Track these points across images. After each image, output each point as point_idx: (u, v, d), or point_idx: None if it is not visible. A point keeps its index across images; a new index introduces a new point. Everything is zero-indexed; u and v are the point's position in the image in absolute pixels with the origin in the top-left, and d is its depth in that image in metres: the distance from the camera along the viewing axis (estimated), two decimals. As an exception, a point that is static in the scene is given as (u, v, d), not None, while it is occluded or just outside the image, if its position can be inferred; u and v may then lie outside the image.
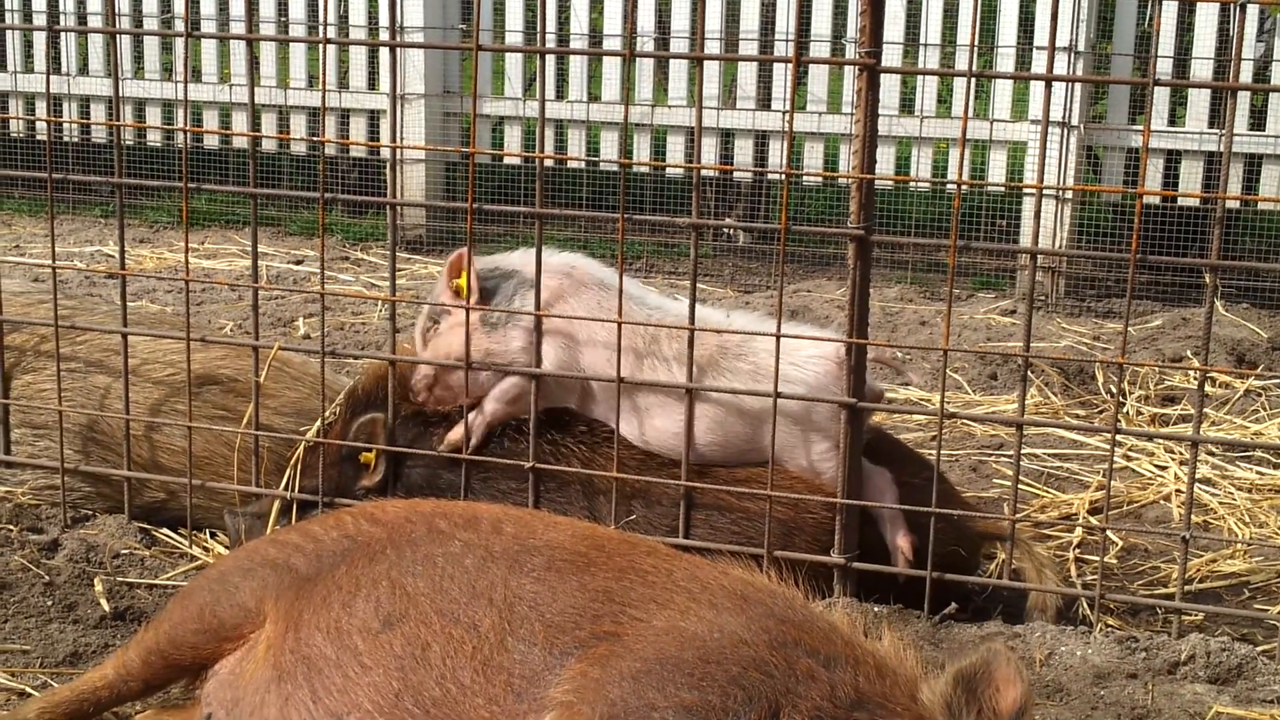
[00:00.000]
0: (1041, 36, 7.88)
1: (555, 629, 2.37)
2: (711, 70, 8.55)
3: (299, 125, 9.25)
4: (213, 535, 3.99)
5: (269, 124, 9.25)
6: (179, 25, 9.47)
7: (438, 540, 2.63)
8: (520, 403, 3.64)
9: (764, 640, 2.21)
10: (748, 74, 8.52)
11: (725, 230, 8.86)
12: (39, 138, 9.75)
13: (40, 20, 9.60)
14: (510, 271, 3.67)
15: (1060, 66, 7.39)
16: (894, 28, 8.02)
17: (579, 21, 8.75)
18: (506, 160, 9.63)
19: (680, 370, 3.53)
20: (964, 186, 3.42)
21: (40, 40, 9.68)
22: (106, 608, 3.45)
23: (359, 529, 2.75)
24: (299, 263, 8.18)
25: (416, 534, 2.67)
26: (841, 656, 2.21)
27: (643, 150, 8.65)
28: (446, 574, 2.53)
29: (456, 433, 3.65)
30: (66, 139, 9.66)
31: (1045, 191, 6.83)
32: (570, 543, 2.57)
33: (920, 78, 8.41)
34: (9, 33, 9.74)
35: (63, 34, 9.61)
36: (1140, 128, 7.89)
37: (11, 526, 3.82)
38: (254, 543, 2.95)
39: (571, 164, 8.96)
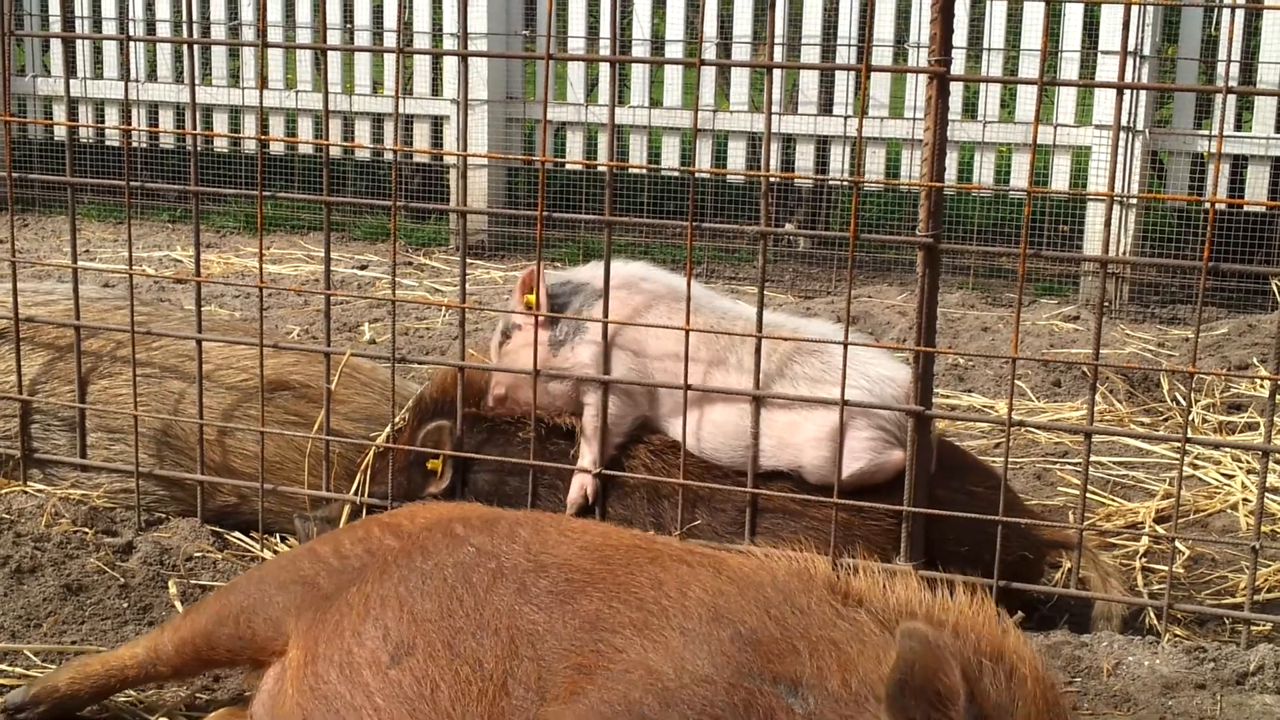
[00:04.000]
0: (1105, 41, 7.83)
1: (545, 668, 2.35)
2: (774, 75, 8.55)
3: (363, 131, 9.34)
4: (283, 539, 4.05)
5: (334, 130, 9.33)
6: (246, 32, 9.58)
7: (450, 547, 2.62)
8: (623, 424, 3.67)
9: (725, 676, 2.18)
10: (809, 79, 8.52)
11: (786, 235, 8.86)
12: (108, 143, 9.88)
13: (110, 28, 9.73)
14: (580, 285, 3.70)
15: (1126, 71, 7.34)
16: (958, 32, 7.99)
17: (640, 27, 8.78)
18: (567, 165, 9.68)
19: (746, 379, 3.55)
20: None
21: (109, 48, 9.81)
22: (180, 610, 3.50)
23: (380, 543, 2.75)
24: (363, 268, 8.25)
25: (431, 541, 2.66)
26: (806, 676, 2.15)
27: (704, 155, 8.66)
28: (454, 594, 2.52)
29: (575, 493, 3.68)
30: (135, 145, 9.79)
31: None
32: (577, 557, 2.54)
33: (983, 83, 8.39)
34: (79, 40, 9.88)
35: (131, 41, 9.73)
36: (1206, 132, 7.83)
37: (87, 529, 3.89)
38: (296, 550, 2.98)
39: (633, 169, 8.99)
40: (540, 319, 3.67)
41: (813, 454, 3.51)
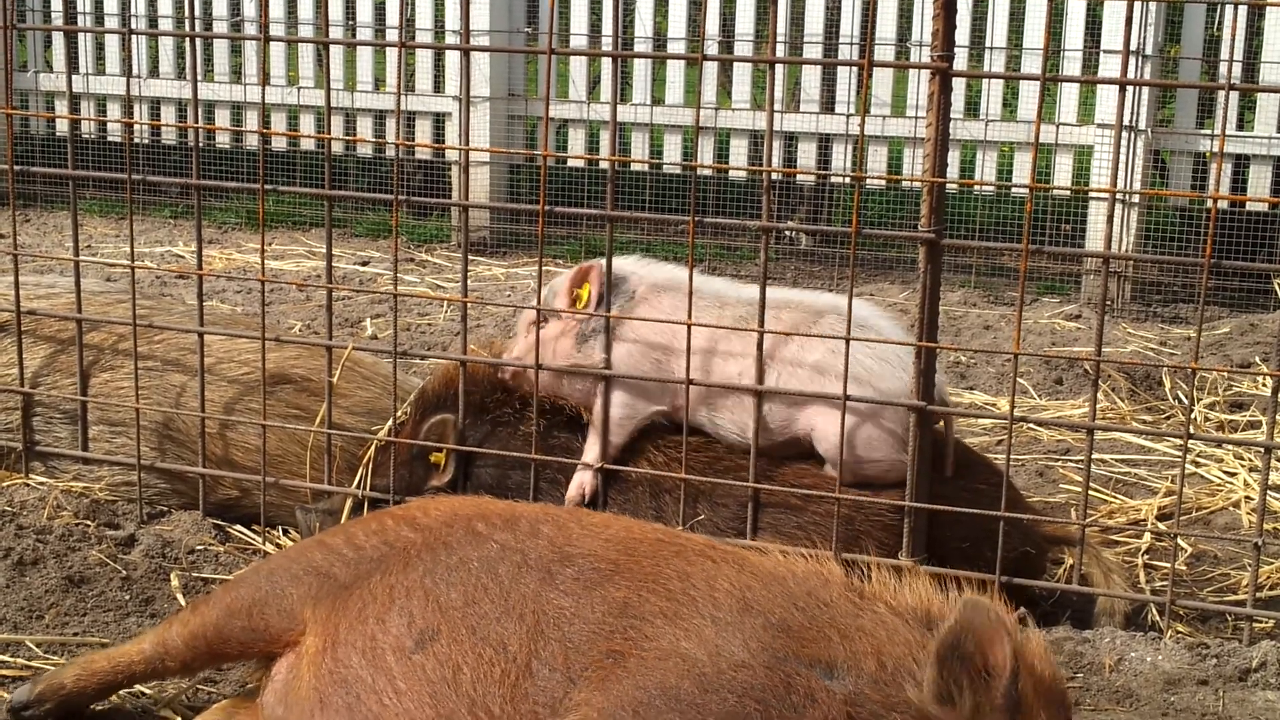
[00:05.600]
0: (1108, 40, 7.83)
1: (573, 649, 2.37)
2: (776, 72, 8.54)
3: (365, 127, 9.34)
4: (285, 532, 4.05)
5: (336, 126, 9.33)
6: (248, 28, 9.58)
7: (474, 543, 2.63)
8: (634, 420, 3.67)
9: (761, 661, 2.21)
10: (812, 77, 8.52)
11: (788, 233, 8.87)
12: (110, 138, 9.88)
13: (112, 23, 9.73)
14: (615, 282, 3.69)
15: (1128, 70, 7.34)
16: (960, 30, 7.98)
17: (643, 25, 8.78)
18: (569, 162, 9.68)
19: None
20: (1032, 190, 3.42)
21: (111, 42, 9.81)
22: (183, 602, 3.51)
23: (398, 535, 2.75)
24: (365, 264, 8.25)
25: (454, 538, 2.67)
26: (841, 659, 2.19)
27: (706, 153, 8.66)
28: (479, 584, 2.53)
29: (573, 491, 3.68)
30: (137, 140, 9.79)
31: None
32: (602, 549, 2.56)
33: (986, 81, 8.38)
34: (81, 35, 9.88)
35: (133, 36, 9.73)
36: (1208, 132, 7.83)
37: (89, 522, 3.89)
38: (305, 543, 2.97)
39: (635, 166, 8.99)
40: (563, 315, 3.69)
41: (830, 419, 3.49)
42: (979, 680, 2.03)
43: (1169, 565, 3.61)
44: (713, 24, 8.64)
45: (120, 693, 2.99)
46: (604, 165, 8.51)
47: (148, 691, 3.05)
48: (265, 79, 3.89)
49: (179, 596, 3.53)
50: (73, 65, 9.86)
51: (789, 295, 3.68)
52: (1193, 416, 5.37)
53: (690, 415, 3.64)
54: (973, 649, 2.03)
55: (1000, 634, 2.02)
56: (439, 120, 9.21)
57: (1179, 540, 4.06)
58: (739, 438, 3.60)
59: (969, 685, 2.03)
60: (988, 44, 8.16)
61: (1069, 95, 8.12)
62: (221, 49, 9.69)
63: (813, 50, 8.36)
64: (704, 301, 3.61)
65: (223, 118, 9.63)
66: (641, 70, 8.81)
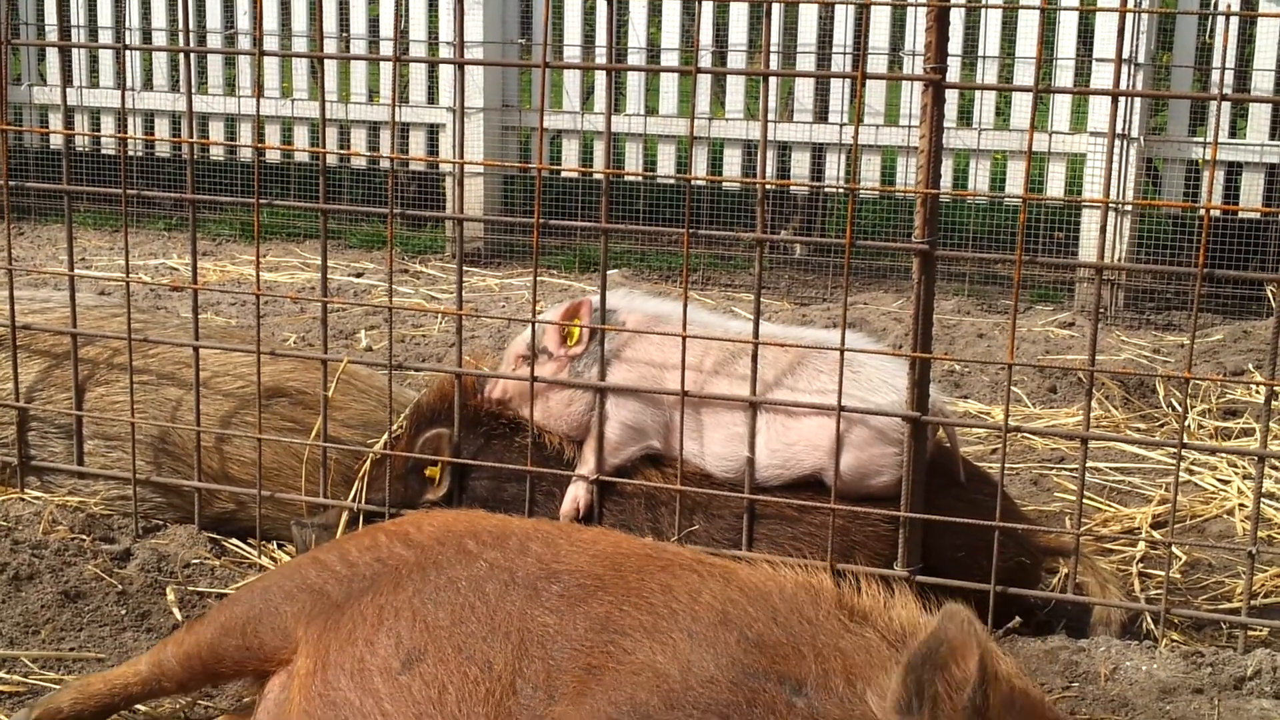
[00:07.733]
0: (1101, 49, 7.84)
1: (554, 667, 2.37)
2: (770, 83, 8.54)
3: (359, 139, 9.34)
4: (281, 546, 4.05)
5: (330, 138, 9.34)
6: (242, 41, 9.58)
7: (463, 562, 2.63)
8: (624, 451, 3.68)
9: (729, 676, 2.20)
10: (805, 87, 8.53)
11: (782, 243, 8.87)
12: (104, 152, 9.88)
13: (106, 37, 9.73)
14: (610, 316, 3.71)
15: (1121, 78, 7.35)
16: (953, 40, 8.00)
17: (636, 35, 8.78)
18: (563, 173, 9.68)
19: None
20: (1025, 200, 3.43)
21: (106, 56, 9.82)
22: (179, 616, 3.51)
23: (391, 552, 2.75)
24: (359, 275, 8.25)
25: (444, 556, 2.67)
26: (812, 677, 2.18)
27: (699, 163, 8.67)
28: (467, 603, 2.53)
29: (568, 506, 3.68)
30: (132, 153, 9.78)
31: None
32: (588, 565, 2.56)
33: (979, 90, 8.39)
34: (75, 49, 9.88)
35: (127, 50, 9.73)
36: (1201, 139, 7.85)
37: (84, 536, 3.89)
38: (298, 560, 2.98)
39: (628, 177, 8.99)
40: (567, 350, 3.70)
41: (843, 459, 3.50)
42: (946, 690, 1.98)
43: (1164, 574, 3.62)
44: (706, 34, 8.64)
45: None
46: (598, 176, 8.52)
47: (144, 708, 3.05)
48: (259, 92, 3.88)
49: (175, 611, 3.53)
50: (67, 78, 9.86)
51: (775, 332, 3.68)
52: (1186, 424, 5.38)
53: (682, 451, 3.66)
54: (944, 659, 1.98)
55: (971, 644, 1.98)
56: (433, 131, 9.21)
57: (1173, 548, 4.07)
58: (728, 475, 3.62)
59: (931, 695, 1.98)
60: (980, 53, 8.17)
61: (1062, 104, 8.13)
62: (215, 61, 9.69)
63: (806, 59, 8.37)
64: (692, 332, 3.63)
65: (217, 130, 9.63)
66: (635, 80, 8.80)
